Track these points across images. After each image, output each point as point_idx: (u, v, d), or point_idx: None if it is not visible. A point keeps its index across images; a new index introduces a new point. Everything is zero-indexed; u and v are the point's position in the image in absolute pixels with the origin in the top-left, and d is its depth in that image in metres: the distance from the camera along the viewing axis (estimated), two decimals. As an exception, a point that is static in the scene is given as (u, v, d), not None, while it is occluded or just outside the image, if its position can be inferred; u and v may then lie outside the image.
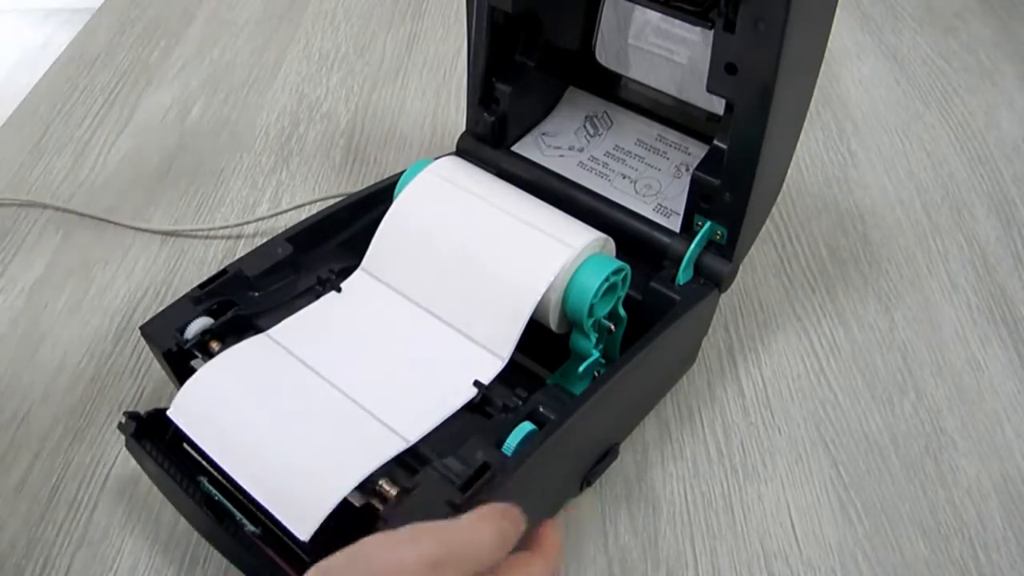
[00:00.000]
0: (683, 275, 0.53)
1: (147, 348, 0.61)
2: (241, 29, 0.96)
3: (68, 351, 0.63)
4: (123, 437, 0.49)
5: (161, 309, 0.52)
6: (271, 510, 0.42)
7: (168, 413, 0.47)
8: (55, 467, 0.56)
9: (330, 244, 0.58)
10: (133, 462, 0.55)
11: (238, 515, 0.44)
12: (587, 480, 0.53)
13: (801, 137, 0.81)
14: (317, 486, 0.41)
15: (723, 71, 0.47)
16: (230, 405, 0.46)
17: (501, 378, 0.49)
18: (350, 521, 0.43)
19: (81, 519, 0.53)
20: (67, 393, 0.60)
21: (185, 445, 0.48)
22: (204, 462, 0.47)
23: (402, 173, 0.58)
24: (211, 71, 0.90)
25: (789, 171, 0.77)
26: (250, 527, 0.44)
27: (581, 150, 0.62)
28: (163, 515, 0.53)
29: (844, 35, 0.94)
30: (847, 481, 0.55)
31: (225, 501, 0.45)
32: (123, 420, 0.48)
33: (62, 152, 0.80)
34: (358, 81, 0.88)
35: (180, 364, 0.51)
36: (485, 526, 0.35)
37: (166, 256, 0.70)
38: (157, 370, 0.61)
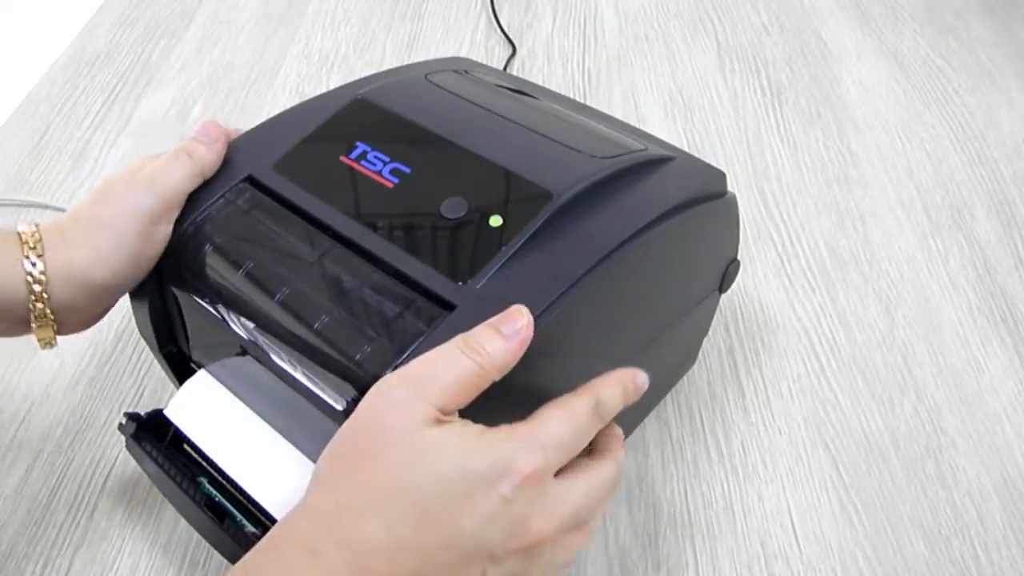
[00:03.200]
0: None
1: (147, 348, 0.61)
2: (241, 29, 0.96)
3: (68, 351, 0.63)
4: (123, 438, 0.49)
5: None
6: (270, 511, 0.42)
7: (166, 412, 0.47)
8: (55, 467, 0.56)
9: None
10: (133, 463, 0.55)
11: (238, 516, 0.44)
12: None
13: (801, 137, 0.81)
14: None
15: None
16: (230, 405, 0.46)
17: None
18: None
19: (81, 520, 0.53)
20: (67, 393, 0.60)
21: (186, 446, 0.48)
22: (204, 463, 0.47)
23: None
24: (211, 71, 0.90)
25: (789, 171, 0.77)
26: (250, 528, 0.44)
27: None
28: (163, 516, 0.53)
29: (844, 35, 0.94)
30: (847, 481, 0.55)
31: (225, 502, 0.45)
32: (123, 421, 0.48)
33: (62, 152, 0.80)
34: (358, 81, 0.88)
35: (180, 365, 0.51)
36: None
37: (166, 256, 0.70)
38: (157, 370, 0.61)
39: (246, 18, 0.98)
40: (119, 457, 0.56)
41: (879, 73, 0.89)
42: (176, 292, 0.46)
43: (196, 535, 0.52)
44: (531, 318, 0.37)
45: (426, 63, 0.59)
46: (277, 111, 0.53)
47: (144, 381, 0.61)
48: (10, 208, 0.74)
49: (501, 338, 0.36)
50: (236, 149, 0.50)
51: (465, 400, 0.35)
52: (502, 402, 0.37)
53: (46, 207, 0.74)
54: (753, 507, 0.54)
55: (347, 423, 0.35)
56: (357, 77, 0.88)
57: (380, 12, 0.99)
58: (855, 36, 0.94)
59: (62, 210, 0.73)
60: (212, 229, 0.46)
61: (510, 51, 0.91)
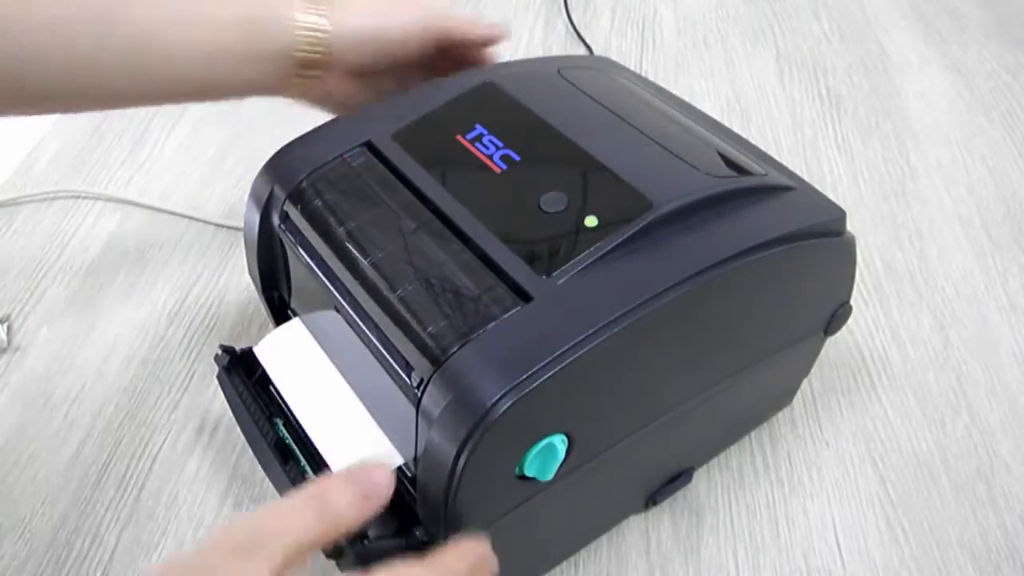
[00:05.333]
0: None
1: (198, 331, 0.62)
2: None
3: (121, 332, 0.64)
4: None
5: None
6: (331, 464, 0.43)
7: (255, 350, 0.48)
8: (106, 445, 0.57)
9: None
10: (181, 444, 0.56)
11: (303, 461, 0.45)
12: (653, 499, 0.53)
13: (859, 148, 0.80)
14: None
15: None
16: (314, 356, 0.47)
17: None
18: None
19: (129, 499, 0.54)
20: (119, 373, 0.61)
21: (271, 387, 0.48)
22: (284, 406, 0.47)
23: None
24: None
25: (845, 183, 0.76)
26: (311, 475, 0.44)
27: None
28: (208, 499, 0.54)
29: (907, 47, 0.93)
30: (895, 499, 0.54)
31: (294, 447, 0.45)
32: (218, 352, 0.49)
33: (122, 137, 0.81)
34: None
35: (280, 310, 0.54)
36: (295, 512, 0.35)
37: (219, 243, 0.71)
38: (207, 353, 0.61)
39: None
40: (167, 438, 0.57)
41: (941, 86, 0.88)
42: (283, 239, 0.49)
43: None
44: (392, 480, 0.36)
45: (564, 57, 0.59)
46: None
47: (194, 365, 0.61)
48: (67, 194, 0.76)
49: (356, 502, 0.35)
50: (361, 116, 0.52)
51: (301, 561, 0.34)
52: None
53: (98, 197, 0.75)
54: (797, 520, 0.53)
55: (181, 554, 0.34)
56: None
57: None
58: (918, 47, 0.93)
59: (116, 200, 0.75)
60: (325, 185, 0.48)
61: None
